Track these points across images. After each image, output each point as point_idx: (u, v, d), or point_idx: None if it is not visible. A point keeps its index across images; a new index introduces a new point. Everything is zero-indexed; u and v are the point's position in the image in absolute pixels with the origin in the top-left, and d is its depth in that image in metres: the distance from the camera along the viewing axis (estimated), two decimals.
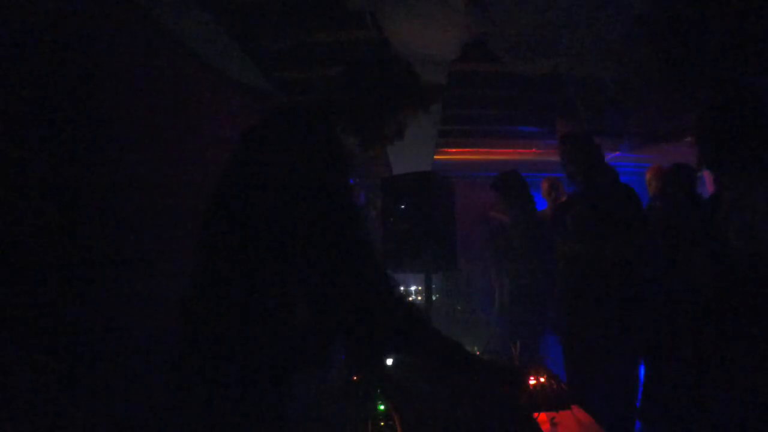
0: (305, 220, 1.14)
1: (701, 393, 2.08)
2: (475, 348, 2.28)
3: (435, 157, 5.61)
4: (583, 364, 2.67)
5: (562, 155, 2.89)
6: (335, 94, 1.40)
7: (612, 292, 2.57)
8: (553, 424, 1.52)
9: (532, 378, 1.76)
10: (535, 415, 1.51)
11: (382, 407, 1.62)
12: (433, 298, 2.74)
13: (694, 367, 2.17)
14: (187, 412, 1.16)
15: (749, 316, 1.87)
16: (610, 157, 4.70)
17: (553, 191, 4.26)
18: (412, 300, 3.59)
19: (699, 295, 2.15)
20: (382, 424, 1.46)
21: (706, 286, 2.08)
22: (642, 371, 2.72)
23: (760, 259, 1.83)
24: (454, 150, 5.84)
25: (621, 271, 2.57)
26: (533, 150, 5.64)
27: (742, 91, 2.76)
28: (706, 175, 3.39)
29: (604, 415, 1.66)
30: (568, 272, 2.83)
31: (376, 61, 1.45)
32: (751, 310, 1.87)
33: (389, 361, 1.62)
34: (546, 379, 1.79)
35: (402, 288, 3.98)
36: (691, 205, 2.85)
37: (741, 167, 2.01)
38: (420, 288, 3.83)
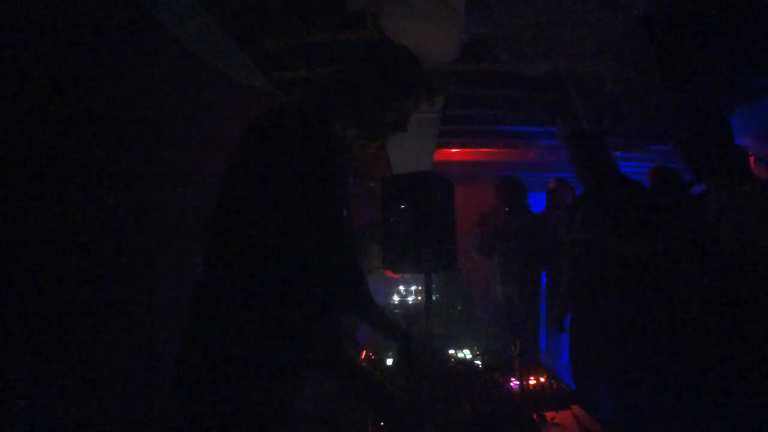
0: (299, 216, 1.15)
1: (703, 391, 2.09)
2: (475, 348, 2.28)
3: (435, 157, 5.60)
4: (588, 363, 2.67)
5: (569, 155, 2.88)
6: (334, 85, 1.37)
7: (621, 290, 2.56)
8: (553, 424, 1.52)
9: (532, 378, 1.76)
10: (535, 415, 1.51)
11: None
12: (433, 298, 2.74)
13: (694, 364, 2.17)
14: (191, 410, 1.16)
15: (744, 311, 1.90)
16: None
17: (560, 191, 4.25)
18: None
19: (696, 292, 2.16)
20: (382, 424, 1.46)
21: (702, 283, 2.10)
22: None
23: (751, 253, 1.87)
24: (454, 150, 5.84)
25: (630, 270, 2.56)
26: (533, 150, 5.64)
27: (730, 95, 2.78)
28: None
29: (607, 411, 1.66)
30: (577, 272, 2.82)
31: (376, 50, 1.41)
32: (745, 304, 1.89)
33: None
34: (546, 379, 1.79)
35: (402, 288, 3.98)
36: (683, 206, 2.85)
37: (725, 171, 2.05)
38: (420, 288, 3.83)
